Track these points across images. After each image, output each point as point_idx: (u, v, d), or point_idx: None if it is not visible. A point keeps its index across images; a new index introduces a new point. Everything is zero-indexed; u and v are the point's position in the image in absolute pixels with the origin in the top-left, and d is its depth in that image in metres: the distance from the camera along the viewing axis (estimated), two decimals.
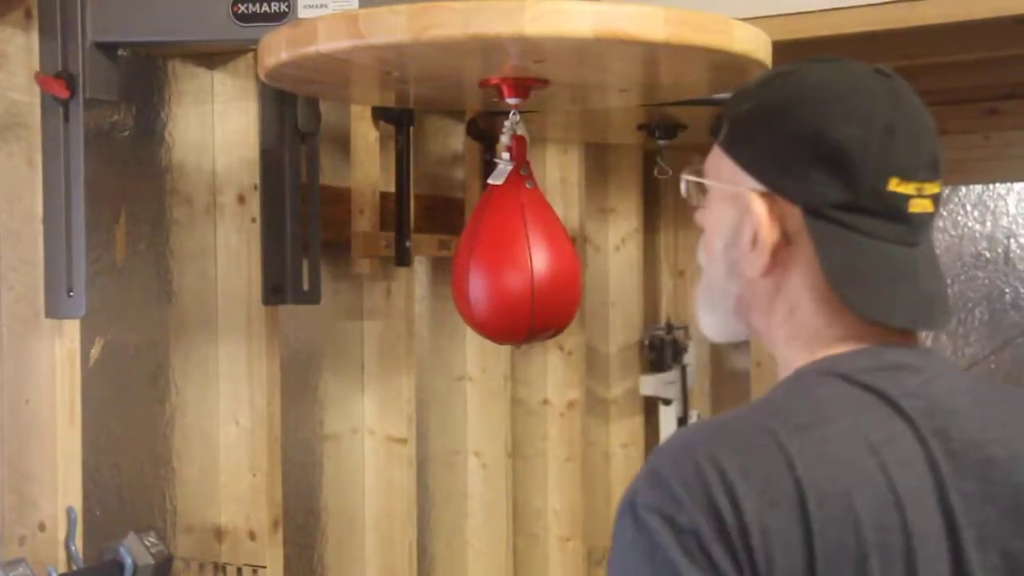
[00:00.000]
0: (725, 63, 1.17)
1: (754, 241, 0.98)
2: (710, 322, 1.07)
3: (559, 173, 2.50)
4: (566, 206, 2.50)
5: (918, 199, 0.96)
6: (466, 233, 1.43)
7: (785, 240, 0.97)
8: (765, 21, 1.66)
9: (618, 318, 2.81)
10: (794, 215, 0.96)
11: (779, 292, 0.99)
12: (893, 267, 0.96)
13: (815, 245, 0.95)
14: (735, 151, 1.00)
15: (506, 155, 1.37)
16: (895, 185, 0.95)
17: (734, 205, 1.00)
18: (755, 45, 1.15)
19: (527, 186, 1.40)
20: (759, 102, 0.99)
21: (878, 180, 0.94)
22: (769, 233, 0.97)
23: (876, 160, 0.94)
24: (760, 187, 0.97)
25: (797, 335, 0.99)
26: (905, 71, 1.01)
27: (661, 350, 2.93)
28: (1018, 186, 3.46)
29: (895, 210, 0.95)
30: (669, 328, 3.08)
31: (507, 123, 1.35)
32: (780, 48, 1.23)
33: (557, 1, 1.04)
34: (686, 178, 1.05)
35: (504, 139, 1.35)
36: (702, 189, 1.05)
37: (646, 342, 2.90)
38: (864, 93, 0.97)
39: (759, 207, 0.97)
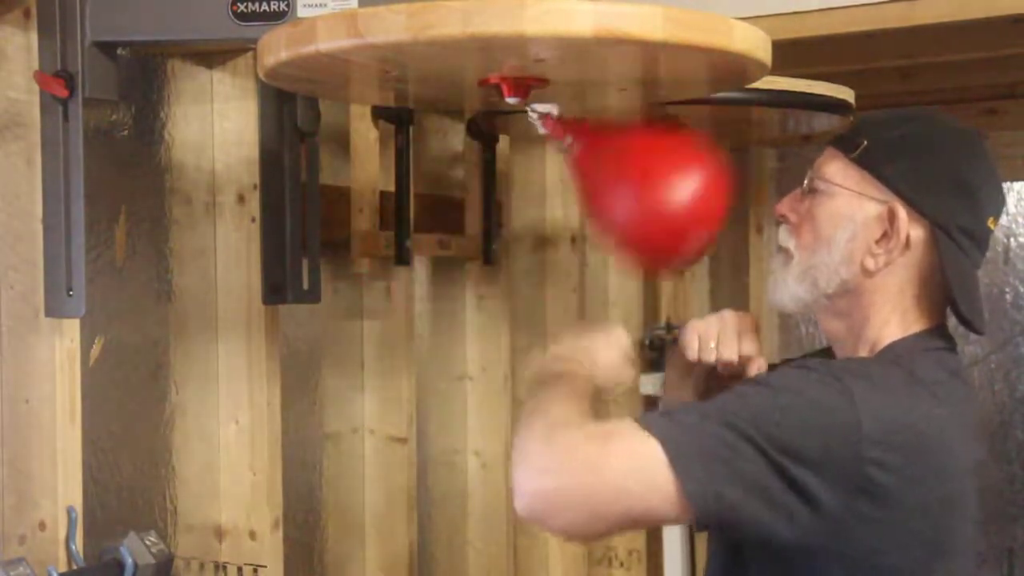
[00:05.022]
0: (725, 63, 1.17)
1: (885, 240, 1.24)
2: (796, 291, 1.30)
3: (559, 172, 2.49)
4: (566, 206, 2.50)
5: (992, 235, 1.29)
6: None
7: (906, 244, 1.24)
8: (765, 21, 1.66)
9: (618, 318, 2.81)
10: (919, 227, 1.24)
11: (885, 284, 1.26)
12: (976, 283, 1.27)
13: (941, 255, 1.23)
14: (875, 166, 1.26)
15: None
16: (990, 223, 1.27)
17: (862, 208, 1.25)
18: (755, 45, 1.15)
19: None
20: (906, 134, 1.27)
21: (986, 217, 1.26)
22: (902, 236, 1.23)
23: (987, 201, 1.26)
24: (897, 199, 1.24)
25: (891, 320, 1.27)
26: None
27: (661, 349, 2.93)
28: (1018, 186, 3.46)
29: (985, 242, 1.27)
30: (669, 328, 3.07)
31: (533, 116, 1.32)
32: (780, 48, 1.23)
33: (557, 0, 1.04)
34: (817, 179, 1.29)
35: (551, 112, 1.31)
36: (816, 186, 1.29)
37: (646, 342, 2.90)
38: (984, 149, 1.28)
39: (903, 214, 1.23)
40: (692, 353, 1.37)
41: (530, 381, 1.30)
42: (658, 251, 1.32)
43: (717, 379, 1.42)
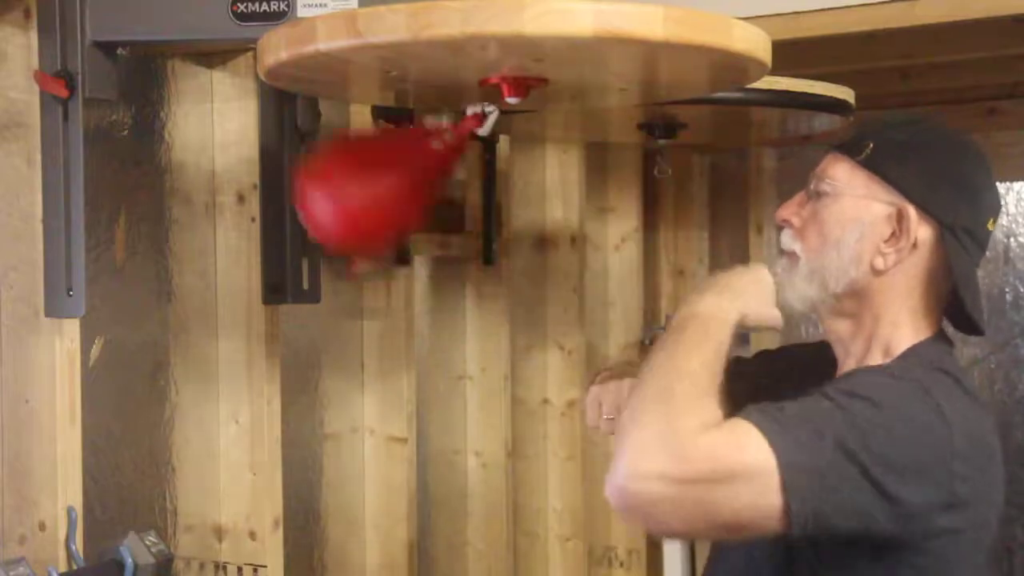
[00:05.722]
0: (725, 62, 1.17)
1: (894, 239, 1.26)
2: (804, 291, 1.31)
3: (559, 172, 2.50)
4: (566, 205, 2.50)
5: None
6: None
7: (914, 244, 1.26)
8: (765, 21, 1.66)
9: (618, 318, 2.81)
10: (927, 227, 1.26)
11: (893, 284, 1.28)
12: (978, 283, 1.30)
13: (948, 255, 1.26)
14: (882, 168, 1.28)
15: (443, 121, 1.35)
16: (990, 225, 1.30)
17: (870, 209, 1.27)
18: (755, 44, 1.15)
19: (432, 144, 1.35)
20: (910, 137, 1.30)
21: (986, 219, 1.30)
22: (911, 236, 1.25)
23: (988, 203, 1.30)
24: (905, 200, 1.26)
25: (900, 320, 1.29)
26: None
27: None
28: (1018, 185, 3.46)
29: (985, 243, 1.30)
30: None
31: (484, 108, 1.33)
32: (780, 47, 1.23)
33: (557, 0, 1.04)
34: (823, 182, 1.30)
35: (468, 110, 1.33)
36: (822, 189, 1.31)
37: (646, 342, 2.90)
38: (982, 153, 1.32)
39: (913, 214, 1.25)
40: (591, 420, 1.40)
41: (674, 321, 1.27)
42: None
43: None
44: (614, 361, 2.82)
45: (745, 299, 1.30)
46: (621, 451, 1.10)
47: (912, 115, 1.37)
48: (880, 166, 1.28)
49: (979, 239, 1.29)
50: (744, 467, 1.10)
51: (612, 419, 1.35)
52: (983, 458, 1.19)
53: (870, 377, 1.24)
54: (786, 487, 1.09)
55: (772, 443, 1.10)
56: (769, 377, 1.48)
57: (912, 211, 1.26)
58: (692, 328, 1.23)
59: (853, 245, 1.28)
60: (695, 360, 1.18)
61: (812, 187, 1.33)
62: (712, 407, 1.14)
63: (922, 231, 1.27)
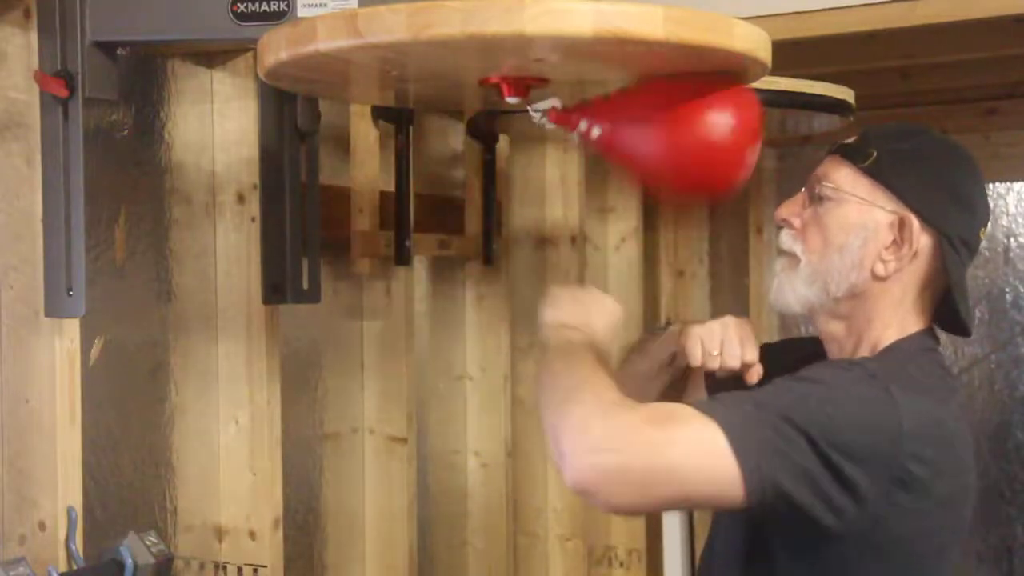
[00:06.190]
0: (725, 62, 1.17)
1: (895, 247, 1.29)
2: (805, 294, 1.34)
3: (559, 172, 2.50)
4: (566, 205, 2.50)
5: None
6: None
7: (914, 253, 1.30)
8: (765, 21, 1.66)
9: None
10: (927, 236, 1.30)
11: (890, 289, 1.31)
12: (967, 289, 1.34)
13: (945, 263, 1.29)
14: (886, 177, 1.30)
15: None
16: (981, 233, 1.34)
17: (873, 216, 1.30)
18: (755, 44, 1.15)
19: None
20: (913, 147, 1.33)
21: (979, 228, 1.33)
22: (913, 245, 1.29)
23: (981, 214, 1.34)
24: (907, 210, 1.29)
25: (891, 322, 1.32)
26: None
27: None
28: (1018, 185, 3.46)
29: (975, 251, 1.33)
30: (668, 326, 3.07)
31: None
32: (780, 48, 1.23)
33: (557, 0, 1.04)
34: (825, 187, 1.33)
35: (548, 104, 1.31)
36: (824, 193, 1.33)
37: None
38: (976, 165, 1.35)
39: (915, 224, 1.29)
40: (696, 360, 1.39)
41: (545, 347, 1.31)
42: (716, 178, 1.30)
43: (694, 375, 1.49)
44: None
45: (594, 333, 1.36)
46: (568, 448, 1.13)
47: (912, 126, 1.41)
48: (883, 174, 1.31)
49: (972, 247, 1.34)
50: (691, 441, 1.13)
51: (716, 355, 1.38)
52: (942, 440, 1.22)
53: (821, 366, 1.29)
54: (737, 458, 1.12)
55: (714, 416, 1.14)
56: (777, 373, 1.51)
57: (914, 220, 1.29)
58: (578, 353, 1.28)
59: (856, 250, 1.31)
60: (603, 380, 1.22)
61: (816, 191, 1.35)
62: (629, 399, 1.19)
63: (923, 240, 1.30)
